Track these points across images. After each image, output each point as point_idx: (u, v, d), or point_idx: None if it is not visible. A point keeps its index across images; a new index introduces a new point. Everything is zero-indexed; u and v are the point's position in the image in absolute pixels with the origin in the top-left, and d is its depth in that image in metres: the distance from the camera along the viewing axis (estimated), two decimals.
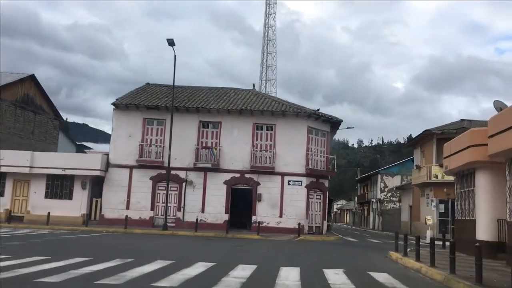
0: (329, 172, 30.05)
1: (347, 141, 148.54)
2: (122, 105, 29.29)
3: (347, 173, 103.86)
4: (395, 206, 51.39)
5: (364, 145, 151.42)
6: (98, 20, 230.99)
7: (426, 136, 31.25)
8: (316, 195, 29.45)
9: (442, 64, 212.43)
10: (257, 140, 29.04)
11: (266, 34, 75.26)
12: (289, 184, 28.41)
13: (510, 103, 16.66)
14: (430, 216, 28.53)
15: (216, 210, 28.31)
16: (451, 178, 28.12)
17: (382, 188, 52.79)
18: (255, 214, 28.32)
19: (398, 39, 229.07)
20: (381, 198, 52.46)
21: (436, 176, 28.81)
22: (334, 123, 30.40)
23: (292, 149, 28.62)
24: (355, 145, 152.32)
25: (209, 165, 28.45)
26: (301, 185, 28.38)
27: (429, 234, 28.09)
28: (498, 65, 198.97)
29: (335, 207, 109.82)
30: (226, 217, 28.12)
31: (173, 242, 19.62)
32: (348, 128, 44.74)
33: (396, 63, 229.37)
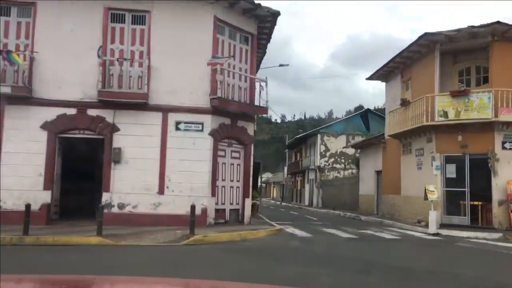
0: (257, 108, 16.20)
1: (270, 116, 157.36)
2: None
3: (271, 147, 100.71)
4: (339, 175, 39.37)
5: (287, 120, 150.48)
6: None
7: (417, 51, 18.50)
8: (232, 152, 15.71)
9: (358, 41, 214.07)
10: (113, 42, 14.49)
11: None
12: (178, 129, 14.40)
13: None
14: (433, 186, 15.97)
15: (26, 183, 13.61)
16: (473, 115, 15.65)
17: (323, 153, 40.44)
18: (108, 190, 14.02)
19: (318, 16, 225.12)
20: (321, 165, 40.16)
21: (445, 114, 16.13)
22: (263, 20, 16.51)
23: (184, 61, 14.51)
24: (278, 120, 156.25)
25: (7, 90, 13.53)
26: (201, 130, 14.47)
27: (434, 217, 15.63)
28: (409, 43, 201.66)
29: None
30: (46, 197, 13.62)
31: None
32: (280, 65, 31.49)
33: (315, 40, 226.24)
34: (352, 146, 27.93)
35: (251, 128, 16.07)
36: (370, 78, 23.14)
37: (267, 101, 16.00)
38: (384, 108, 29.93)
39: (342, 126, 40.88)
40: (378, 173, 23.74)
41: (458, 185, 16.43)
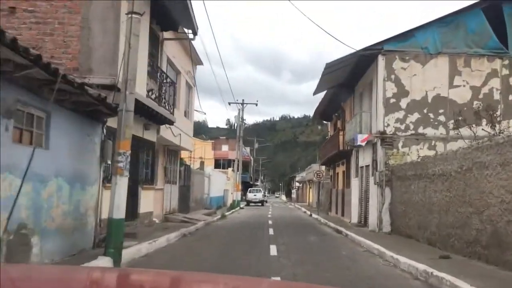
0: None
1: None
2: None
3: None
4: (432, 152, 15.43)
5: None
6: None
7: None
8: None
9: None
10: None
11: None
12: None
13: None
14: None
15: None
16: None
17: (391, 100, 16.84)
18: None
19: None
20: (388, 130, 16.58)
21: None
22: None
23: None
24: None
25: None
26: None
27: None
28: None
29: (296, 178, 74.77)
30: None
31: None
32: None
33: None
34: None
35: None
36: None
37: None
38: None
39: (437, 35, 16.80)
40: None
41: None
